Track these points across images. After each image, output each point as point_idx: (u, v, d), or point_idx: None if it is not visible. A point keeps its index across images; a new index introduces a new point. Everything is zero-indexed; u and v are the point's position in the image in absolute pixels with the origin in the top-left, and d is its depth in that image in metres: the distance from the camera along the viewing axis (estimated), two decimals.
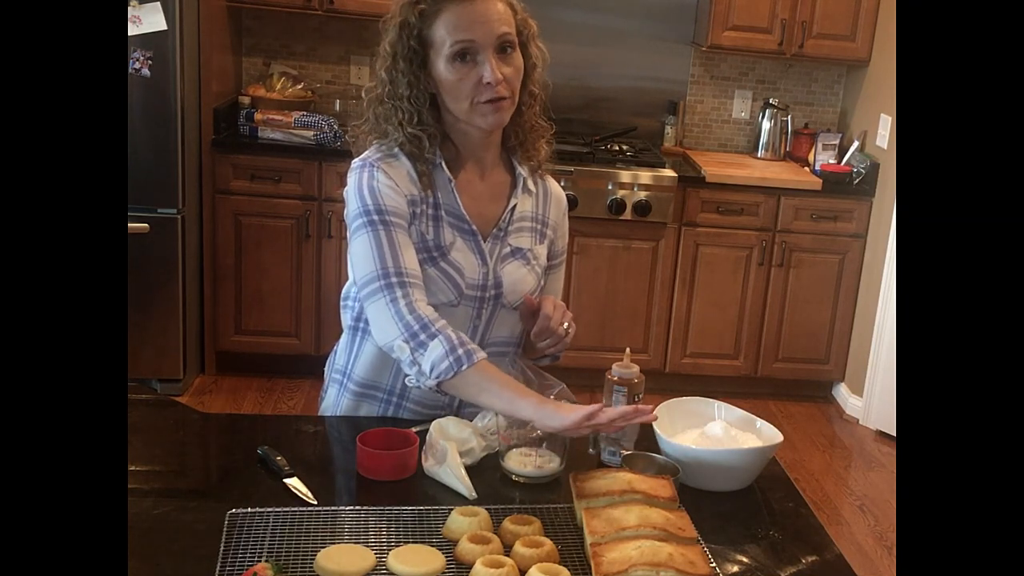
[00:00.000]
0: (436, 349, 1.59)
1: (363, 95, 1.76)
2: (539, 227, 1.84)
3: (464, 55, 1.63)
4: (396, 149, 1.71)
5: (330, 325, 3.96)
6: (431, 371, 1.59)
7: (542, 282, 1.85)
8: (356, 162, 1.73)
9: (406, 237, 1.67)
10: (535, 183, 1.84)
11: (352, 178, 1.71)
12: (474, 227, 1.74)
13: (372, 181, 1.68)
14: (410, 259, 1.66)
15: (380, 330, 1.65)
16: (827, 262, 4.34)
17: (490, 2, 1.64)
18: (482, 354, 1.61)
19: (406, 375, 1.66)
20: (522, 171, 1.80)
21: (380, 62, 1.70)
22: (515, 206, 1.79)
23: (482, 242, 1.75)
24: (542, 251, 1.84)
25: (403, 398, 1.80)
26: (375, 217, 1.66)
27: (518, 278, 1.78)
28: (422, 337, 1.60)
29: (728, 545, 1.46)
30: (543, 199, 1.86)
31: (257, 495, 1.48)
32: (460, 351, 1.59)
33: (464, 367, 1.58)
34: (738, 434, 1.68)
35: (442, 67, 1.65)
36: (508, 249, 1.79)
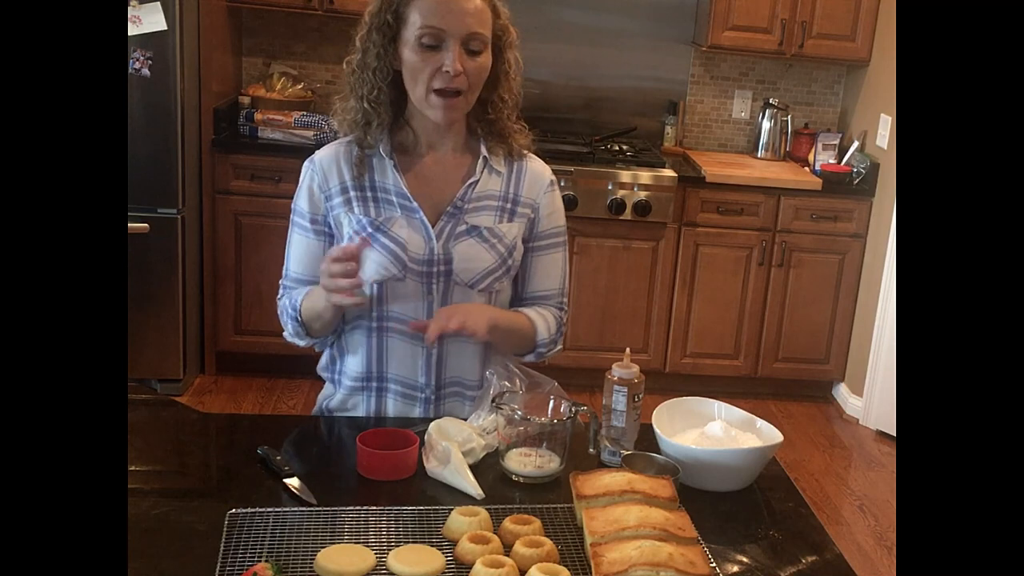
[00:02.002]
0: (286, 323, 1.85)
1: (344, 66, 1.81)
2: (507, 205, 1.84)
3: (431, 41, 1.67)
4: (347, 139, 1.81)
5: None
6: (299, 338, 1.85)
7: (509, 261, 1.83)
8: (312, 155, 1.85)
9: (301, 239, 1.84)
10: (507, 164, 1.85)
11: (301, 171, 1.85)
12: (416, 204, 1.77)
13: (302, 183, 1.83)
14: (295, 260, 1.85)
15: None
16: (827, 262, 4.34)
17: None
18: (303, 295, 1.80)
19: (396, 392, 1.84)
20: (487, 153, 1.82)
21: (359, 29, 1.76)
22: (474, 183, 1.81)
23: (426, 219, 1.78)
24: (509, 229, 1.83)
25: (384, 380, 1.84)
26: (292, 217, 1.86)
27: (472, 255, 1.79)
28: (283, 320, 1.86)
29: (728, 545, 1.46)
30: (516, 177, 1.86)
31: (257, 495, 1.48)
32: (290, 310, 1.81)
33: (299, 316, 1.79)
34: (738, 434, 1.68)
35: (408, 48, 1.70)
36: (464, 227, 1.80)
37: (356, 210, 1.78)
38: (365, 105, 1.75)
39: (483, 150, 1.83)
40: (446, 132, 1.80)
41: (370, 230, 1.76)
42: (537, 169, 1.90)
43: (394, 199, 1.78)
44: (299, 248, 1.85)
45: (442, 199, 1.80)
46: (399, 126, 1.81)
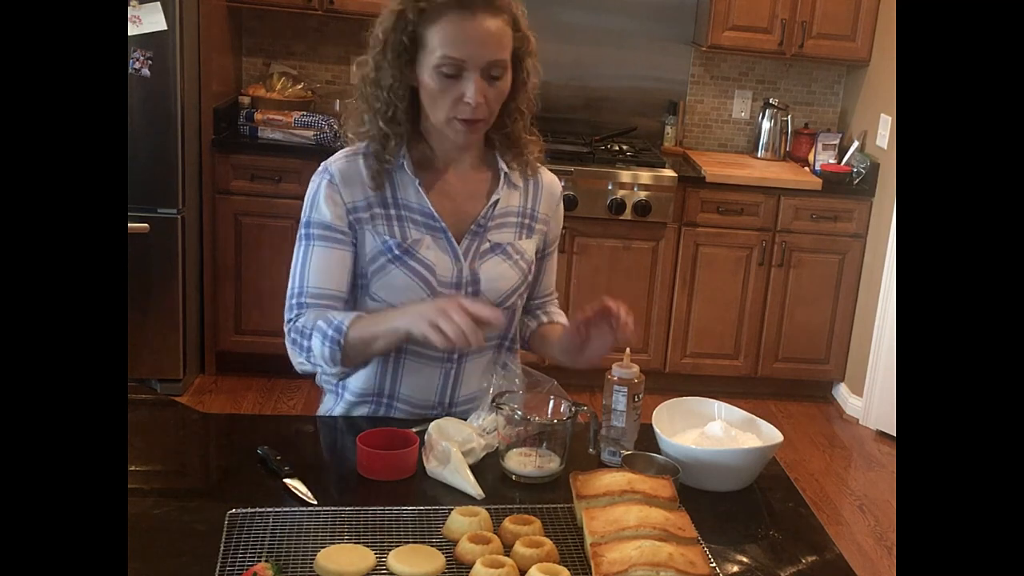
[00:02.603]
0: (316, 345, 1.66)
1: (354, 68, 1.75)
2: (526, 221, 1.83)
3: (451, 71, 1.61)
4: (362, 149, 1.73)
5: None
6: (326, 363, 1.66)
7: (528, 277, 1.83)
8: (321, 165, 1.75)
9: (324, 251, 1.71)
10: (523, 178, 1.83)
11: (310, 184, 1.75)
12: (443, 224, 1.73)
13: (317, 192, 1.72)
14: (317, 276, 1.71)
15: (290, 356, 1.74)
16: (827, 262, 4.34)
17: (489, 20, 1.61)
18: (351, 316, 1.65)
19: (397, 403, 1.76)
20: (505, 167, 1.79)
21: (372, 42, 1.69)
22: (497, 201, 1.78)
23: (453, 239, 1.74)
24: (528, 245, 1.83)
25: (393, 398, 1.80)
26: (302, 231, 1.73)
27: (497, 274, 1.77)
28: (305, 344, 1.68)
29: (728, 545, 1.46)
30: (533, 192, 1.85)
31: (257, 495, 1.48)
32: (330, 331, 1.64)
33: (342, 339, 1.63)
34: (738, 434, 1.68)
35: (427, 74, 1.63)
36: (488, 245, 1.77)
37: (381, 229, 1.71)
38: (381, 123, 1.68)
39: (502, 165, 1.79)
40: (464, 147, 1.75)
41: (397, 252, 1.71)
42: (550, 183, 1.88)
43: (419, 218, 1.72)
44: (321, 261, 1.71)
45: (465, 217, 1.76)
46: (416, 139, 1.75)
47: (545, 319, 1.95)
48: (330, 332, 1.64)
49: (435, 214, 1.73)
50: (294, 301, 1.73)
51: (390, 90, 1.66)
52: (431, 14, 1.61)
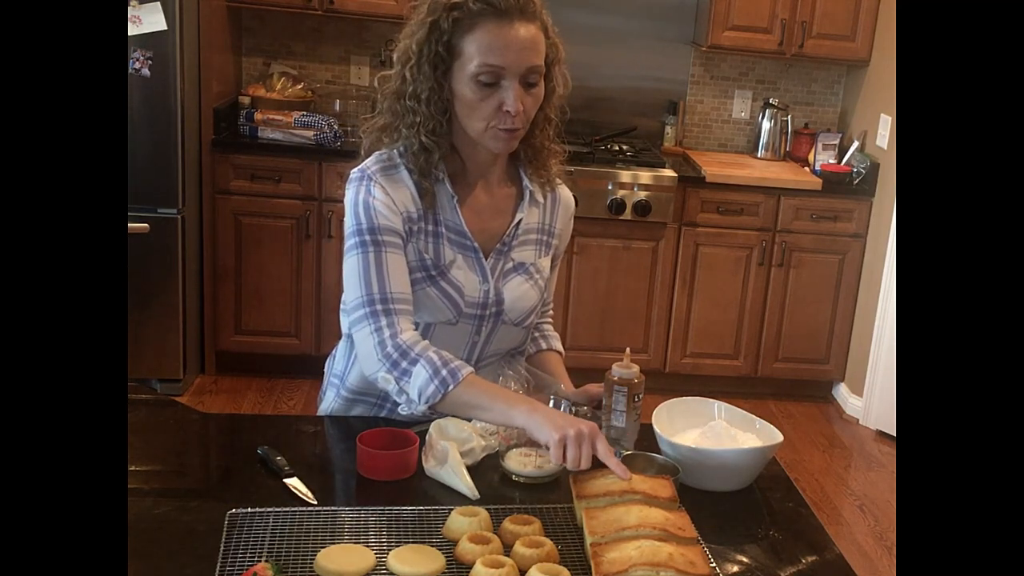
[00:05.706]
0: (420, 375, 1.59)
1: (376, 83, 1.72)
2: (544, 238, 1.82)
3: (489, 79, 1.59)
4: (398, 160, 1.69)
5: (330, 325, 3.96)
6: (419, 397, 1.60)
7: (546, 294, 1.83)
8: (354, 173, 1.70)
9: (398, 257, 1.66)
10: (544, 194, 1.81)
11: (350, 191, 1.69)
12: (476, 244, 1.72)
13: (368, 197, 1.66)
14: (398, 282, 1.65)
15: (364, 361, 1.66)
16: (827, 262, 4.35)
17: (525, 27, 1.59)
18: (467, 369, 1.61)
19: (397, 404, 1.67)
20: (530, 184, 1.77)
21: (402, 57, 1.65)
22: (520, 221, 1.77)
23: (484, 259, 1.73)
24: (545, 263, 1.82)
25: (396, 404, 1.79)
26: (367, 237, 1.64)
27: (520, 294, 1.76)
28: (404, 365, 1.61)
29: (728, 545, 1.46)
30: (551, 207, 1.83)
31: (257, 495, 1.48)
32: (444, 372, 1.59)
33: (451, 387, 1.58)
34: (738, 434, 1.68)
35: (464, 83, 1.61)
36: (511, 264, 1.77)
37: (421, 245, 1.68)
38: (424, 137, 1.64)
39: (526, 182, 1.77)
40: (494, 160, 1.72)
41: (433, 273, 1.69)
42: (567, 199, 1.87)
43: (453, 236, 1.71)
44: (398, 266, 1.65)
45: (492, 235, 1.75)
46: (449, 152, 1.70)
47: (544, 344, 1.95)
48: (443, 372, 1.58)
49: (468, 233, 1.71)
50: (379, 307, 1.63)
51: (428, 103, 1.63)
52: (466, 23, 1.58)
